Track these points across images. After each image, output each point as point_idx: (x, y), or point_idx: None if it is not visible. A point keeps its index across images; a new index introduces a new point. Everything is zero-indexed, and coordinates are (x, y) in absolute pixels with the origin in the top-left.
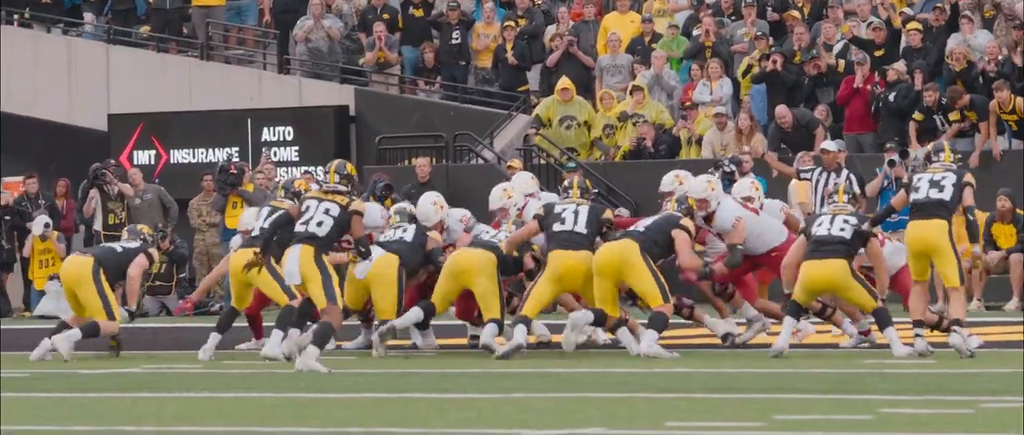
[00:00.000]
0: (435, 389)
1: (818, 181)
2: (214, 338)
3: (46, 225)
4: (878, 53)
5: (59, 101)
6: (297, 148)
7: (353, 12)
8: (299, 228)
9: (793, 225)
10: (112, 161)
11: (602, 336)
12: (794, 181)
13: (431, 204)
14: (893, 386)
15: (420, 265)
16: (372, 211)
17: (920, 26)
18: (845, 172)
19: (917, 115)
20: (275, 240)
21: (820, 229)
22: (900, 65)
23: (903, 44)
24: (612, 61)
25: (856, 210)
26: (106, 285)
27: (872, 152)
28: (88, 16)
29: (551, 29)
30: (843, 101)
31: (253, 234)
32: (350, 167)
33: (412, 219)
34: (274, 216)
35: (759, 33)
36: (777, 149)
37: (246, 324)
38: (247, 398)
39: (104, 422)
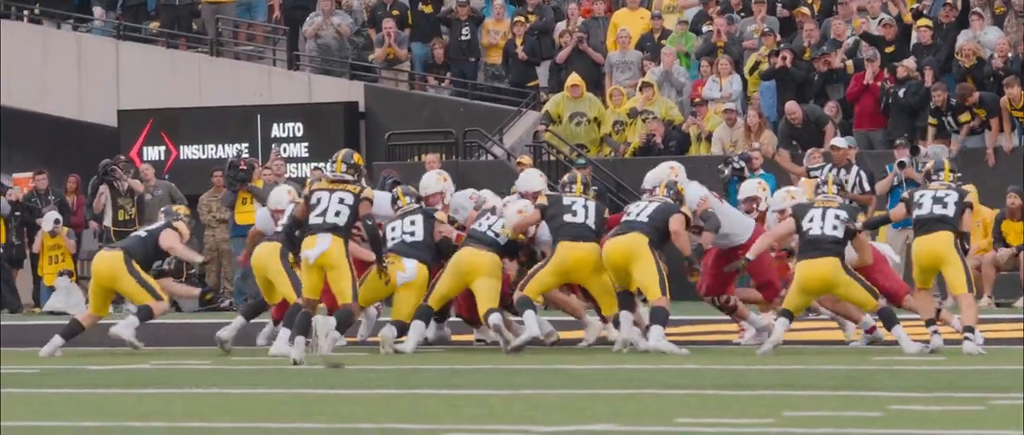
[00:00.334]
0: (445, 385)
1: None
2: (239, 321)
3: (56, 221)
4: (888, 49)
5: (69, 97)
6: (307, 144)
7: (363, 8)
8: (316, 220)
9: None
10: (122, 157)
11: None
12: (804, 179)
13: (435, 175)
14: (903, 383)
15: (436, 262)
16: (382, 200)
17: (930, 23)
18: (855, 169)
19: (932, 120)
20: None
21: (812, 226)
22: (910, 62)
23: (913, 40)
24: (622, 57)
25: (845, 202)
26: (141, 271)
27: (882, 149)
28: (98, 12)
29: (561, 25)
30: (853, 98)
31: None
32: (357, 157)
33: (419, 200)
34: (288, 213)
35: (767, 29)
36: (787, 146)
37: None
38: (255, 394)
39: (112, 418)
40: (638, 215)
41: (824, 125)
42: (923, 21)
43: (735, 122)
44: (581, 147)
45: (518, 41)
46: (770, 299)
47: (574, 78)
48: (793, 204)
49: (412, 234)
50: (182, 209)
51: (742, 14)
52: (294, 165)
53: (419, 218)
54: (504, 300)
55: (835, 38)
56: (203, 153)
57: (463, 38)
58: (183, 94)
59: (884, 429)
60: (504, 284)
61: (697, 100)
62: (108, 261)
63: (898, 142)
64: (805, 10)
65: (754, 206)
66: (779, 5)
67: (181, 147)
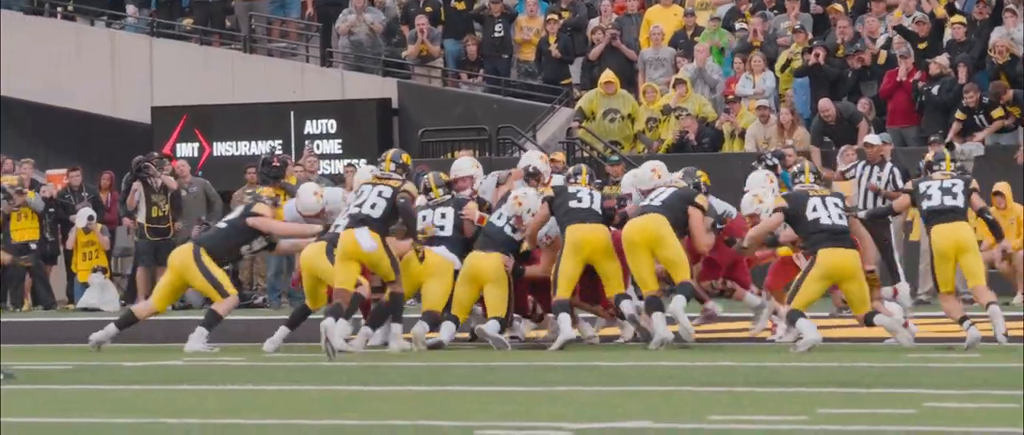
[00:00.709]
0: (478, 382)
1: (861, 175)
2: (282, 331)
3: (90, 217)
4: (921, 46)
5: (103, 94)
6: (340, 141)
7: (396, 5)
8: (353, 210)
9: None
10: (155, 153)
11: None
12: (840, 183)
13: (469, 161)
14: (937, 380)
15: (467, 252)
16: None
17: (964, 19)
18: (888, 166)
19: (959, 114)
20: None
21: (819, 216)
22: (943, 58)
23: (946, 37)
24: (655, 54)
25: (831, 189)
26: (211, 265)
27: (915, 146)
28: (131, 9)
29: (594, 22)
30: (886, 95)
31: (335, 228)
32: (405, 156)
33: (449, 187)
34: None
35: (799, 26)
36: (820, 143)
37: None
38: (289, 391)
39: (146, 415)
40: (653, 200)
41: (858, 122)
42: (956, 17)
43: (768, 119)
44: (615, 144)
45: (551, 38)
46: (706, 277)
47: (608, 74)
48: (788, 193)
49: (441, 228)
50: (267, 191)
51: (775, 11)
52: (327, 162)
53: (449, 211)
54: (521, 300)
55: (869, 35)
56: (236, 150)
57: (496, 35)
58: (216, 91)
59: (918, 426)
60: (522, 285)
61: (730, 97)
62: (180, 254)
63: (932, 139)
64: (838, 7)
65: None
66: (813, 2)
67: (214, 144)
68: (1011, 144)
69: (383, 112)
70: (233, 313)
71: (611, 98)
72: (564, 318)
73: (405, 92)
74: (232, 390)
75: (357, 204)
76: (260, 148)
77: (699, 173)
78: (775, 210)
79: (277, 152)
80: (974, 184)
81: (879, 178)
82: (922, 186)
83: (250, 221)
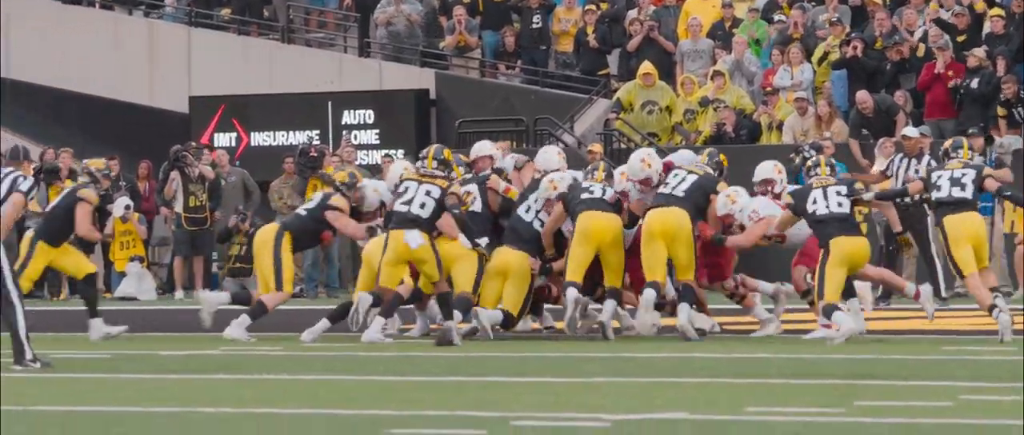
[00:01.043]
0: (515, 373)
1: (898, 167)
2: (323, 323)
3: (127, 207)
4: (960, 38)
5: (140, 83)
6: (377, 131)
7: None
8: (401, 207)
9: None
10: (193, 143)
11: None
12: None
13: (489, 143)
14: (974, 372)
15: (495, 225)
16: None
17: (1003, 12)
18: (926, 158)
19: (1000, 110)
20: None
21: (818, 207)
22: (981, 51)
23: (985, 30)
24: (693, 46)
25: (840, 179)
26: (286, 253)
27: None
28: None
29: (632, 13)
30: (924, 87)
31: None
32: (447, 152)
33: (470, 167)
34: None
35: (837, 18)
36: (858, 135)
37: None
38: (326, 380)
39: (183, 404)
40: (675, 188)
41: (895, 115)
42: (995, 10)
43: (806, 111)
44: (652, 136)
45: (589, 29)
46: (715, 279)
47: (647, 66)
48: (794, 190)
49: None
50: (341, 176)
51: (813, 3)
52: (365, 152)
53: (474, 187)
54: (539, 293)
55: (907, 28)
56: (274, 140)
57: (534, 26)
58: (254, 81)
59: (955, 419)
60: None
61: (768, 89)
62: (265, 232)
63: (970, 132)
64: None
65: (768, 188)
66: None
67: (252, 134)
68: None
69: (420, 103)
70: None
71: (649, 90)
72: (571, 293)
73: (442, 83)
74: (269, 380)
75: (404, 201)
76: (298, 138)
77: (721, 156)
78: (784, 206)
79: (315, 142)
80: (987, 171)
81: (916, 171)
82: (934, 175)
83: (327, 214)
